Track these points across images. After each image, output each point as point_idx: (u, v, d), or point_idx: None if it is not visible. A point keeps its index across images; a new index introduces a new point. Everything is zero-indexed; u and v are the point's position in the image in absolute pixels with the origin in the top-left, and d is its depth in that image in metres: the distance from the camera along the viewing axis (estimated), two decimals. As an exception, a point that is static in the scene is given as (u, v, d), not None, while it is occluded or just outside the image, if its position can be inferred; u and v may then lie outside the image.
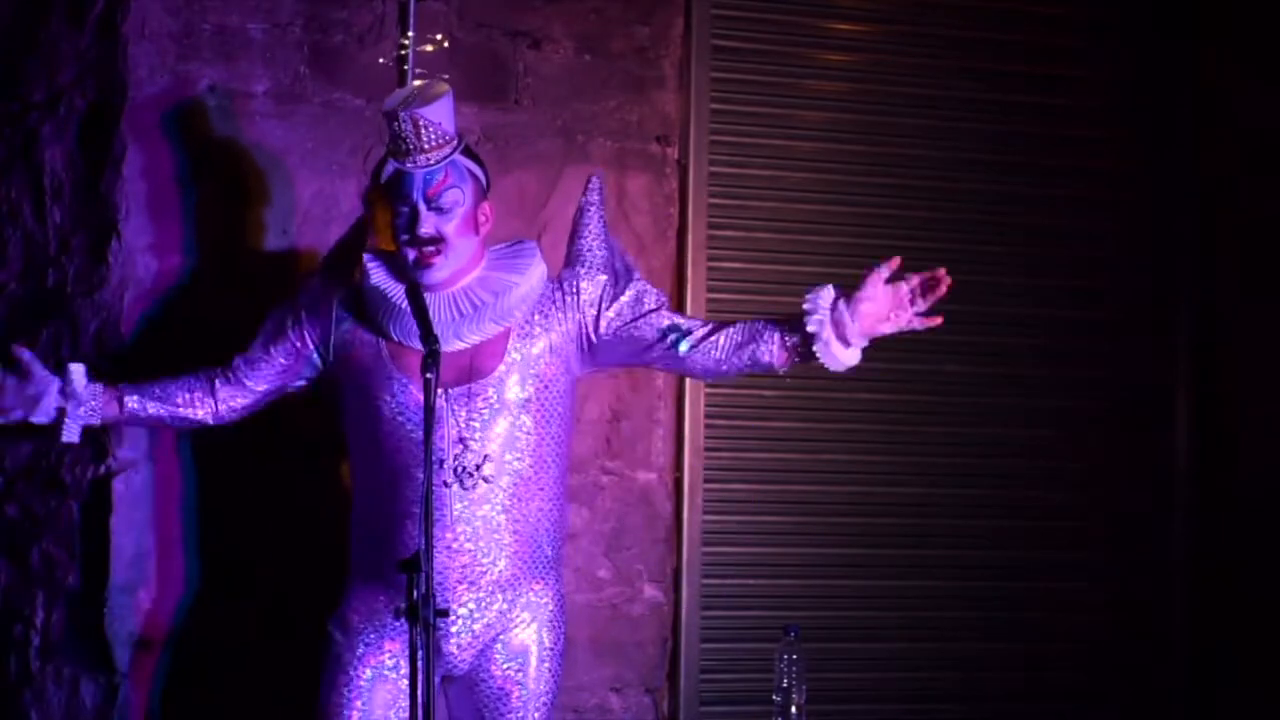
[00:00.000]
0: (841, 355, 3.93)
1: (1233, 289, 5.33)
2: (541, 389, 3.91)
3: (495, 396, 3.86)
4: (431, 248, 3.86)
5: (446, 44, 3.85)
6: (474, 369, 3.86)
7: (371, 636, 3.89)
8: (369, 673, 3.88)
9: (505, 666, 3.91)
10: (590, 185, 4.12)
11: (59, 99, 4.47)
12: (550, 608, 3.95)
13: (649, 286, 4.03)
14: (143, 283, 4.38)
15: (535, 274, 3.97)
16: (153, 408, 4.00)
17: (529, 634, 3.92)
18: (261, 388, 4.03)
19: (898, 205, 5.11)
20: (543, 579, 3.93)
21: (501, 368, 3.87)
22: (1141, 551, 5.30)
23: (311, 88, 4.54)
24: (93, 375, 3.98)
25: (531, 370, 3.90)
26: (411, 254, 3.88)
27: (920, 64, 5.15)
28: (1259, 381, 5.26)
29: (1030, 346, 5.22)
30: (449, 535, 3.81)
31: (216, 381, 4.02)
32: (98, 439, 4.36)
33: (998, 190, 5.21)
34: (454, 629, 3.85)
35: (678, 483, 4.86)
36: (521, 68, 4.73)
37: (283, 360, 4.02)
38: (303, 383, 4.04)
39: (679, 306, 4.81)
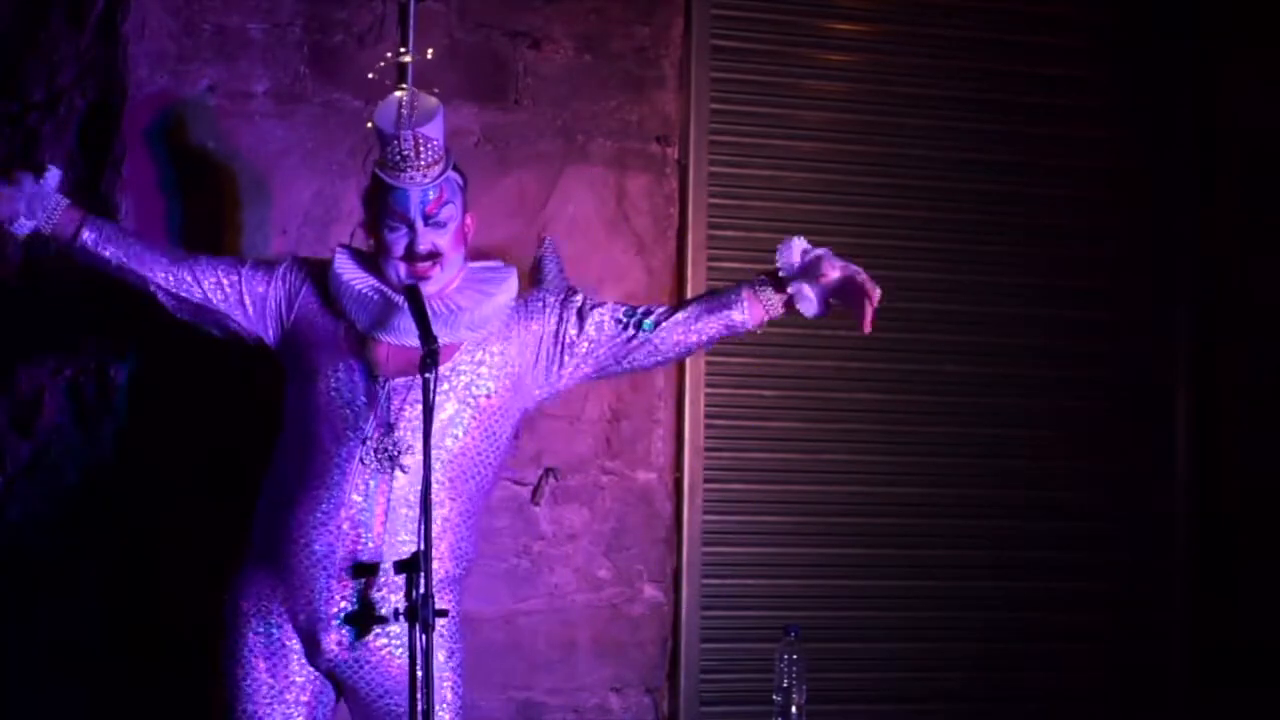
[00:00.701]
0: (814, 302, 3.97)
1: (1233, 288, 5.33)
2: (480, 409, 3.86)
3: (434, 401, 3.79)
4: (428, 262, 3.87)
5: (431, 56, 3.87)
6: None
7: (260, 626, 3.84)
8: (264, 665, 3.84)
9: (406, 690, 3.65)
10: (545, 243, 4.28)
11: (59, 99, 4.47)
12: (446, 625, 3.80)
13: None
14: (143, 282, 4.39)
15: (511, 289, 3.97)
16: (110, 250, 3.91)
17: None
18: (208, 281, 3.95)
19: (898, 205, 5.11)
20: (439, 595, 3.68)
21: (445, 368, 3.81)
22: (1141, 551, 5.29)
23: (311, 88, 4.54)
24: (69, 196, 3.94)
25: (475, 389, 3.86)
26: (404, 267, 3.87)
27: (920, 64, 5.15)
28: (1259, 381, 5.26)
29: (1030, 346, 5.22)
30: (341, 513, 3.75)
31: (185, 258, 3.98)
32: (98, 438, 4.37)
33: (998, 190, 5.21)
34: (335, 623, 3.78)
35: (678, 483, 4.86)
36: (521, 68, 4.73)
37: (231, 286, 3.96)
38: (235, 322, 3.97)
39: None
